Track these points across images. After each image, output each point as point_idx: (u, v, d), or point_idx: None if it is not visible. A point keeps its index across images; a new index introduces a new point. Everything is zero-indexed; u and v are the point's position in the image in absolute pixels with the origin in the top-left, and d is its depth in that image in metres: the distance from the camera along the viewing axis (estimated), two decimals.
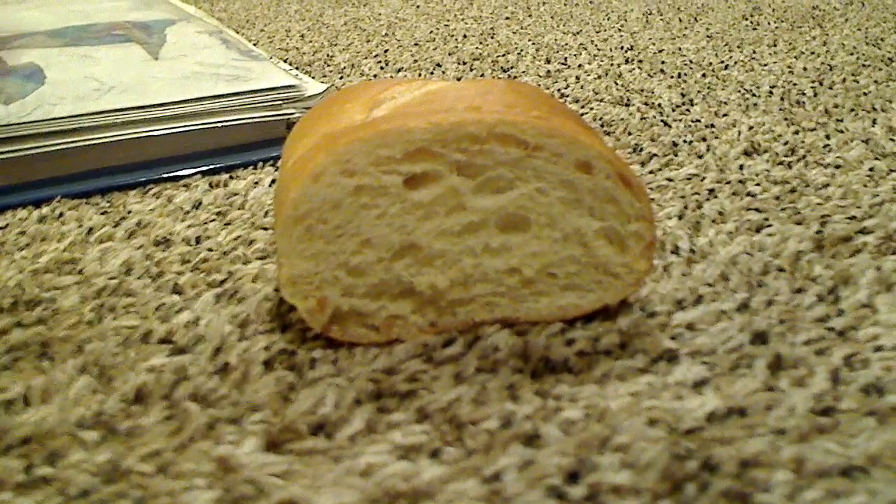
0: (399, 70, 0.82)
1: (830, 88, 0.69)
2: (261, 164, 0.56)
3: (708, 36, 0.92)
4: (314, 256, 0.33)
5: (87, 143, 0.52)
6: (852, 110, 0.63)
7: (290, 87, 0.59)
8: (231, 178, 0.54)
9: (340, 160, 0.32)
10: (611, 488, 0.27)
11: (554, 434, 0.29)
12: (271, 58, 0.68)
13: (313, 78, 0.78)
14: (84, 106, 0.53)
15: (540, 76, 0.77)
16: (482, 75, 0.78)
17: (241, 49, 0.65)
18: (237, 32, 0.99)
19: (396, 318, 0.35)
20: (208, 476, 0.28)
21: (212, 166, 0.55)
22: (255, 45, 0.92)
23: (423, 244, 0.34)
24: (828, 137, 0.57)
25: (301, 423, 0.30)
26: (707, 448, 0.28)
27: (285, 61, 0.84)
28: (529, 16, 1.08)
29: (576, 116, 0.36)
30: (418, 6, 1.18)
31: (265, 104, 0.58)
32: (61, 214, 0.48)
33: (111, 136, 0.53)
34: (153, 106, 0.55)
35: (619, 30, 0.98)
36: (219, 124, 0.56)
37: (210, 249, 0.44)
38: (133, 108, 0.54)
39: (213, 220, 0.48)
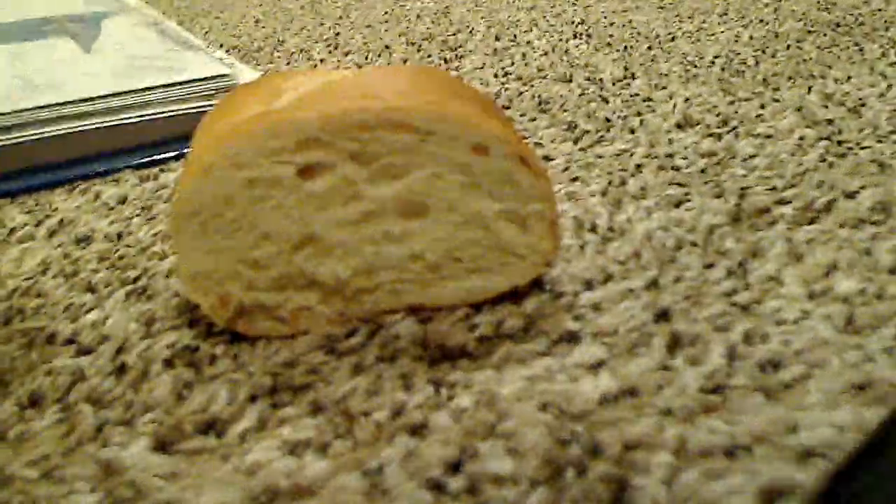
0: (347, 53, 0.81)
1: (773, 57, 0.69)
2: None
3: (660, 7, 0.91)
4: (212, 252, 0.33)
5: (12, 142, 0.51)
6: (790, 78, 0.62)
7: (222, 76, 0.58)
8: (161, 171, 0.54)
9: (229, 153, 0.32)
10: (491, 477, 0.26)
11: (442, 423, 0.29)
12: (220, 46, 0.68)
13: (259, 64, 0.77)
14: (7, 104, 0.52)
15: (486, 54, 0.76)
16: (429, 56, 0.78)
17: (176, 39, 0.65)
18: (193, 20, 0.98)
19: (303, 310, 0.35)
20: (91, 480, 0.27)
21: (143, 160, 0.55)
22: (206, 32, 0.91)
23: (323, 235, 0.33)
24: (762, 107, 0.57)
25: (191, 422, 0.30)
26: (593, 431, 0.28)
27: (235, 48, 0.83)
28: None
29: (478, 98, 0.36)
30: None
31: (197, 94, 0.57)
32: None
33: (36, 134, 0.52)
34: (80, 101, 0.54)
35: (574, 3, 0.97)
36: (149, 117, 0.56)
37: (129, 246, 0.43)
38: (59, 104, 0.53)
39: (138, 214, 0.47)
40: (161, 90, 0.56)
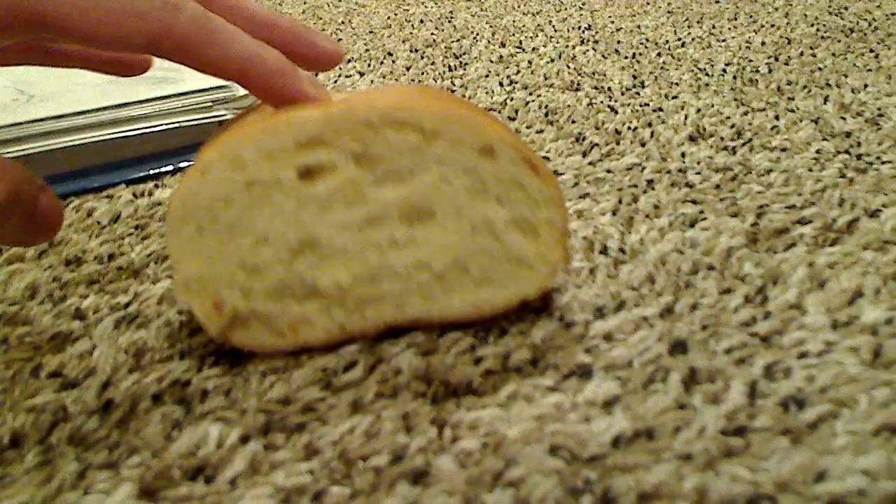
0: (349, 60, 0.79)
1: (786, 64, 0.67)
2: None
3: (669, 12, 0.89)
4: (207, 256, 0.32)
5: (7, 157, 0.50)
6: (805, 87, 0.61)
7: (220, 87, 0.56)
8: (157, 186, 0.52)
9: (228, 153, 0.30)
10: None
11: (446, 469, 0.27)
12: None
13: None
14: (3, 117, 0.51)
15: (491, 62, 0.75)
16: (433, 63, 0.76)
17: None
18: None
19: (302, 321, 0.33)
20: None
21: (139, 174, 0.53)
22: None
23: (324, 239, 0.32)
24: (777, 118, 0.55)
25: (179, 466, 0.28)
26: (607, 478, 0.26)
27: None
28: None
29: (480, 111, 0.35)
30: None
31: (194, 107, 0.56)
32: None
33: (30, 149, 0.51)
34: (75, 114, 0.52)
35: (581, 7, 0.95)
36: (145, 130, 0.54)
37: (120, 268, 0.42)
38: (54, 118, 0.52)
39: (131, 234, 0.45)
40: (156, 102, 0.55)
